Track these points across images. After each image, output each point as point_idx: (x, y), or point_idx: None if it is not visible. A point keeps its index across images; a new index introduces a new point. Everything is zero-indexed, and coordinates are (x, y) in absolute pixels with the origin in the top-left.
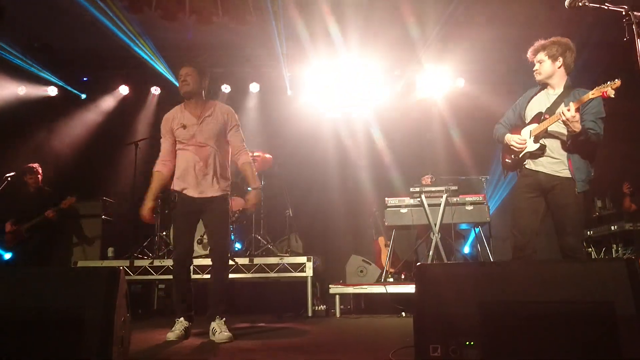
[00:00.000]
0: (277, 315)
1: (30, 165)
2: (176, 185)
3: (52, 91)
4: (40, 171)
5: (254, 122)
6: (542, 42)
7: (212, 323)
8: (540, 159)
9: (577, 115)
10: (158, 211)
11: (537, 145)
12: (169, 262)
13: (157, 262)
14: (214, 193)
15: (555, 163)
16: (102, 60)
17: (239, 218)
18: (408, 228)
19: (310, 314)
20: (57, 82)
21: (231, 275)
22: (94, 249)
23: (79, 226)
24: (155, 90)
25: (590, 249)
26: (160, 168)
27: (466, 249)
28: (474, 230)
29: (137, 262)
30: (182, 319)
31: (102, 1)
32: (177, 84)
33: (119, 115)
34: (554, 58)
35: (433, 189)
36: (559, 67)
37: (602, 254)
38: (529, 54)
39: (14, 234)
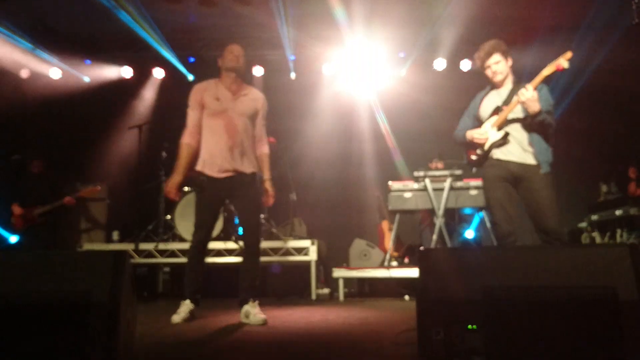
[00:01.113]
0: (279, 297)
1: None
2: (203, 166)
3: (55, 74)
4: (42, 161)
5: None
6: (490, 43)
7: (245, 306)
8: (509, 147)
9: (536, 94)
10: (184, 190)
11: (501, 134)
12: (173, 246)
13: (162, 246)
14: (245, 169)
15: (520, 151)
16: (105, 43)
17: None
18: (412, 212)
19: (314, 297)
20: (60, 64)
21: (237, 259)
22: (99, 233)
23: (84, 210)
24: (158, 74)
25: (594, 234)
26: (188, 140)
27: (470, 234)
28: (478, 215)
29: (142, 246)
30: (188, 301)
31: None
32: (182, 68)
33: (122, 99)
34: (505, 57)
35: (437, 173)
36: (509, 65)
37: (606, 238)
38: (481, 58)
39: (24, 217)
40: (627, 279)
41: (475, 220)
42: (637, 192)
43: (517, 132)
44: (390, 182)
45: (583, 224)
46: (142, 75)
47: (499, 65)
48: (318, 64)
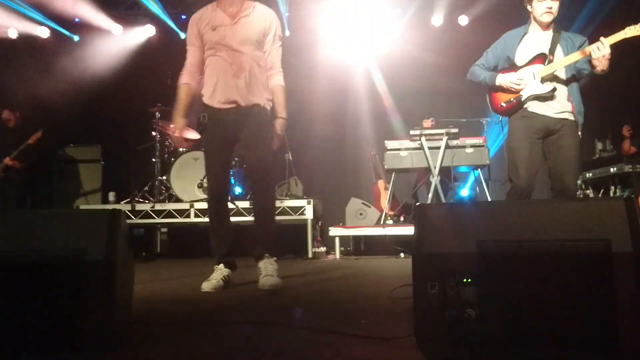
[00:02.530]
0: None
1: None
2: (207, 98)
3: (44, 32)
4: (18, 112)
5: None
6: None
7: (260, 263)
8: (549, 102)
9: (609, 53)
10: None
11: (549, 88)
12: (170, 206)
13: (158, 206)
14: (254, 100)
15: (561, 106)
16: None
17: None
18: (407, 171)
19: (310, 256)
20: (48, 23)
21: (233, 219)
22: (95, 194)
23: (77, 171)
24: (149, 31)
25: (588, 191)
26: (187, 80)
27: (465, 192)
28: (474, 173)
29: (139, 207)
30: (221, 265)
31: None
32: (173, 25)
33: (113, 57)
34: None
35: (433, 131)
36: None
37: (600, 195)
38: None
39: None
40: (622, 232)
41: (471, 179)
42: (630, 150)
43: (559, 87)
44: (386, 141)
45: (577, 182)
46: (132, 33)
47: (556, 4)
48: (313, 22)
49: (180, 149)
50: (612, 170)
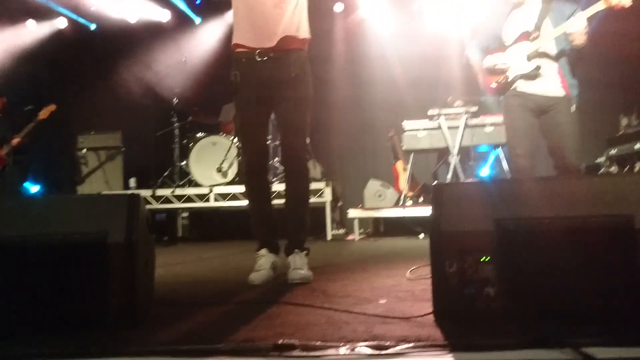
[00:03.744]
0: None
1: None
2: (238, 38)
3: (62, 23)
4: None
5: None
6: None
7: (289, 257)
8: (537, 80)
9: (586, 26)
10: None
11: (533, 65)
12: (190, 191)
13: (178, 191)
14: (296, 43)
15: (551, 84)
16: None
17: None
18: (426, 152)
19: (329, 238)
20: (65, 12)
21: (240, 202)
22: (116, 180)
23: (99, 158)
24: (166, 17)
25: (612, 168)
26: None
27: (485, 171)
28: (494, 152)
29: (160, 192)
30: (263, 250)
31: None
32: (187, 9)
33: (130, 46)
34: None
35: (451, 111)
36: None
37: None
38: None
39: None
40: None
41: (491, 158)
42: None
43: (548, 63)
44: (404, 122)
45: (601, 159)
46: (150, 19)
47: None
48: (330, 2)
49: (199, 134)
50: (637, 146)
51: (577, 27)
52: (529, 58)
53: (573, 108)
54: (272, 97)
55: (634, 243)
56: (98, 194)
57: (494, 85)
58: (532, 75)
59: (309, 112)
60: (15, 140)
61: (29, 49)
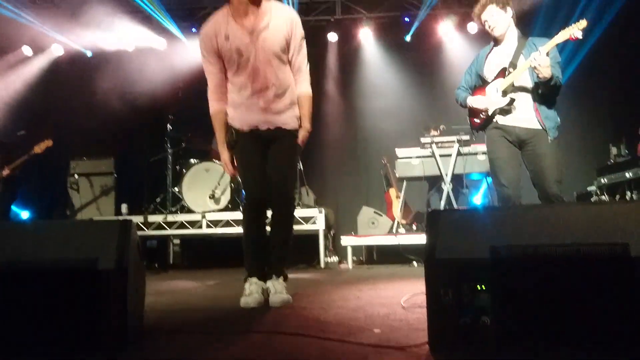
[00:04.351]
0: (289, 266)
1: None
2: (232, 119)
3: (57, 50)
4: None
5: None
6: None
7: (269, 282)
8: (513, 113)
9: (548, 60)
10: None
11: (507, 100)
12: (182, 217)
13: (170, 218)
14: (283, 124)
15: (526, 117)
16: (105, 15)
17: None
18: (419, 179)
19: (322, 266)
20: (61, 39)
21: (227, 230)
22: (108, 206)
23: (91, 184)
24: (162, 46)
25: (603, 197)
26: (218, 106)
27: (478, 199)
28: (486, 180)
29: (151, 218)
30: (255, 279)
31: None
32: (184, 39)
33: (126, 71)
34: (504, 8)
35: (444, 139)
36: (511, 17)
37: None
38: (476, 12)
39: None
40: None
41: (484, 186)
42: None
43: (523, 97)
44: (397, 149)
45: (592, 188)
46: (147, 46)
47: (494, 18)
48: (323, 33)
49: (192, 160)
50: (627, 175)
51: (539, 61)
52: (505, 93)
53: (550, 139)
54: (266, 146)
55: (630, 271)
56: (89, 220)
57: (477, 120)
58: (508, 109)
59: (299, 151)
60: (5, 172)
61: (24, 75)
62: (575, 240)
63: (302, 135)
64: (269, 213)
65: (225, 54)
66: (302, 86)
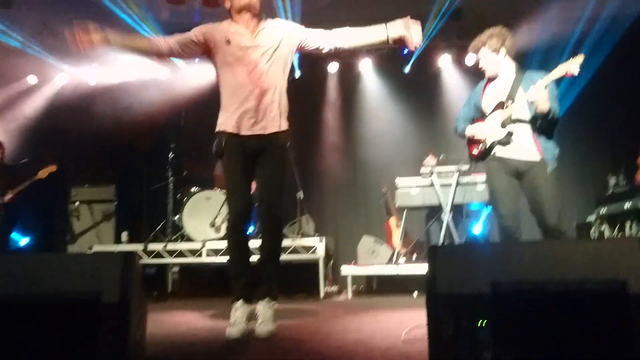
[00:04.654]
0: (287, 296)
1: None
2: (223, 124)
3: (62, 79)
4: (4, 147)
5: None
6: (479, 37)
7: (259, 304)
8: (511, 145)
9: (547, 93)
10: (191, 191)
11: (505, 132)
12: (182, 246)
13: (170, 246)
14: (276, 128)
15: (525, 148)
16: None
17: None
18: (419, 209)
19: (322, 296)
20: (66, 68)
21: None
22: (108, 234)
23: (91, 211)
24: (165, 75)
25: (603, 227)
26: (154, 38)
27: (478, 229)
28: (486, 209)
29: (151, 246)
30: (239, 303)
31: None
32: (185, 67)
33: (128, 99)
34: (496, 51)
35: (444, 169)
36: (504, 56)
37: (615, 232)
38: (471, 51)
39: None
40: (638, 272)
41: (484, 216)
42: None
43: (522, 129)
44: (397, 179)
45: (592, 218)
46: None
47: (486, 61)
48: (323, 63)
49: (193, 189)
50: (626, 206)
51: (538, 94)
52: (503, 125)
53: (549, 170)
54: (254, 161)
55: (628, 309)
56: (92, 253)
57: (475, 152)
58: (506, 141)
59: (288, 173)
60: (8, 197)
61: (29, 102)
62: (575, 277)
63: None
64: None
65: (223, 50)
66: (343, 29)
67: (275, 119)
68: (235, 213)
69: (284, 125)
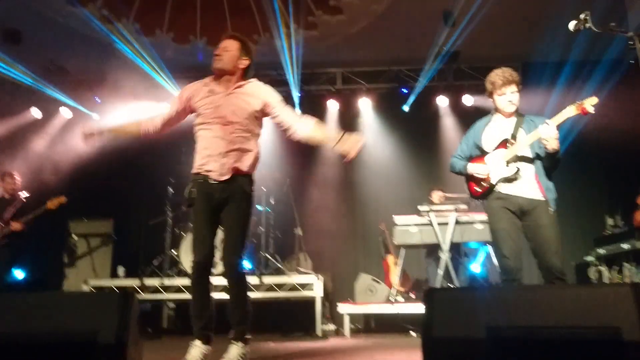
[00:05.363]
0: (284, 334)
1: (9, 171)
2: (196, 168)
3: (66, 113)
4: (19, 180)
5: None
6: (510, 72)
7: (231, 347)
8: (516, 182)
9: (557, 133)
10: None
11: (513, 169)
12: (179, 282)
13: (167, 282)
14: (242, 168)
15: (529, 187)
16: (114, 82)
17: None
18: (417, 247)
19: (319, 334)
20: (70, 103)
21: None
22: (104, 268)
23: (88, 245)
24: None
25: (602, 267)
26: (143, 121)
27: (476, 268)
28: (484, 248)
29: (148, 281)
30: (197, 342)
31: (115, 24)
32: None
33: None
34: (519, 89)
35: (442, 207)
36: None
37: (614, 272)
38: (496, 84)
39: None
40: (631, 319)
41: (482, 255)
42: None
43: (525, 168)
44: (395, 217)
45: (590, 258)
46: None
47: (515, 96)
48: (323, 101)
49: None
50: (624, 246)
51: (549, 133)
52: (508, 163)
53: (551, 211)
54: (220, 208)
55: (622, 356)
56: (89, 292)
57: (478, 189)
58: (513, 178)
59: (249, 226)
60: (17, 226)
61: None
62: (570, 323)
63: (339, 142)
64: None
65: (199, 105)
66: (307, 122)
67: (239, 168)
68: (198, 259)
69: (250, 169)
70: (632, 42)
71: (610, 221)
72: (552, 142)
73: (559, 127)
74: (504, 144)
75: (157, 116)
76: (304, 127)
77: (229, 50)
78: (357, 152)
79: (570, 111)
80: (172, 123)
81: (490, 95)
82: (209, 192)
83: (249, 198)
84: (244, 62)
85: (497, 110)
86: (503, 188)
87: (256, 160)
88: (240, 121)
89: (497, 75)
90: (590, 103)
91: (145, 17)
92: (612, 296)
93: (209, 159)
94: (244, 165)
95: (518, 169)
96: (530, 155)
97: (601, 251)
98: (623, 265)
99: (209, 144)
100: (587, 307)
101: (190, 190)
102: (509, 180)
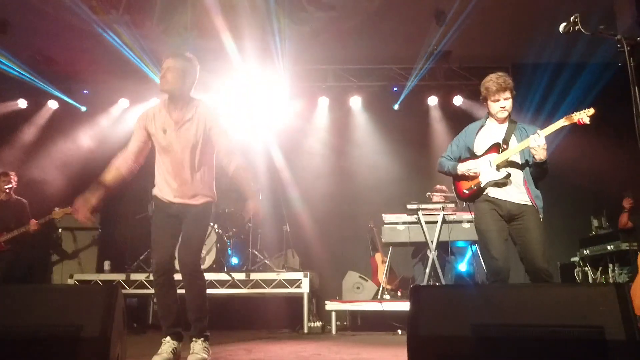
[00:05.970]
0: (270, 330)
1: (6, 171)
2: (156, 191)
3: (53, 104)
4: (15, 180)
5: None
6: (505, 78)
7: (191, 343)
8: (506, 187)
9: (545, 143)
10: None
11: (504, 174)
12: None
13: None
14: (196, 200)
15: (518, 192)
16: (103, 73)
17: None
18: (405, 245)
19: (306, 331)
20: (58, 94)
21: (228, 291)
22: (90, 262)
23: (74, 239)
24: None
25: (587, 268)
26: (120, 164)
27: (463, 267)
28: (471, 248)
29: (133, 276)
30: (168, 338)
31: (104, 16)
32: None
33: (119, 128)
34: (512, 96)
35: (430, 206)
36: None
37: (598, 273)
38: (490, 89)
39: None
40: (614, 319)
41: (468, 254)
42: (627, 225)
43: (515, 174)
44: (383, 215)
45: (575, 259)
46: (139, 105)
47: (508, 102)
48: (314, 97)
49: None
50: (609, 247)
51: (538, 142)
52: (499, 167)
53: (540, 217)
54: (179, 219)
55: (605, 354)
56: (74, 285)
57: (466, 191)
58: (503, 183)
59: (206, 231)
60: (34, 223)
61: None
62: (555, 322)
63: (249, 206)
64: None
65: (157, 138)
66: (234, 162)
67: (195, 191)
68: (159, 261)
69: (203, 196)
70: (620, 46)
71: (595, 222)
72: (540, 152)
73: (548, 137)
74: (495, 148)
75: (128, 153)
76: (232, 164)
77: (172, 70)
78: (256, 213)
79: (564, 122)
80: (145, 152)
81: (485, 100)
82: (167, 204)
83: (206, 210)
84: (190, 82)
85: (490, 115)
86: (492, 192)
87: (210, 186)
88: (193, 154)
89: (492, 81)
90: (587, 114)
91: (135, 9)
92: (596, 296)
93: (165, 187)
94: (199, 193)
95: (509, 174)
96: (520, 161)
97: (586, 252)
98: (608, 266)
99: (165, 175)
100: (571, 306)
101: (150, 205)
102: (498, 184)
